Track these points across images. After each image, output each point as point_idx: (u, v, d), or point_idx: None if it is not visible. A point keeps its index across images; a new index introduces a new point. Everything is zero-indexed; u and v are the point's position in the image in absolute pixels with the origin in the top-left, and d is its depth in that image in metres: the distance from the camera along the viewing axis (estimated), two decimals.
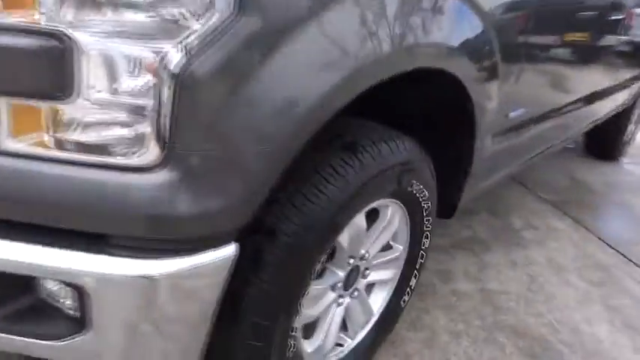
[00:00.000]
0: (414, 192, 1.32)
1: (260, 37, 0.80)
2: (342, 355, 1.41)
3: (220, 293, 0.91)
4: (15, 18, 0.73)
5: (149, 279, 0.82)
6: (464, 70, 1.30)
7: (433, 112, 1.50)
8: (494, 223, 2.71)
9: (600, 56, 2.46)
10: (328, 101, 0.91)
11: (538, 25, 1.76)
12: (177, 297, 0.86)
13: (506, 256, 2.41)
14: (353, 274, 1.33)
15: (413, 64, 1.09)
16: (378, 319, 1.49)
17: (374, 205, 1.22)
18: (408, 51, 1.05)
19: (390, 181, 1.20)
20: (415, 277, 1.55)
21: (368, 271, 1.38)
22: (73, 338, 0.88)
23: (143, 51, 0.74)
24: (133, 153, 0.79)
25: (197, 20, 0.75)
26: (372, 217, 1.33)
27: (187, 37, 0.74)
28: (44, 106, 0.76)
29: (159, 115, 0.77)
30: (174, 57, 0.74)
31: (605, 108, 3.00)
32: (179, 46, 0.75)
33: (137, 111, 0.77)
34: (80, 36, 0.72)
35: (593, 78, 2.48)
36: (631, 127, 4.04)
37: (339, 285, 1.29)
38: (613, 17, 2.32)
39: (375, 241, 1.35)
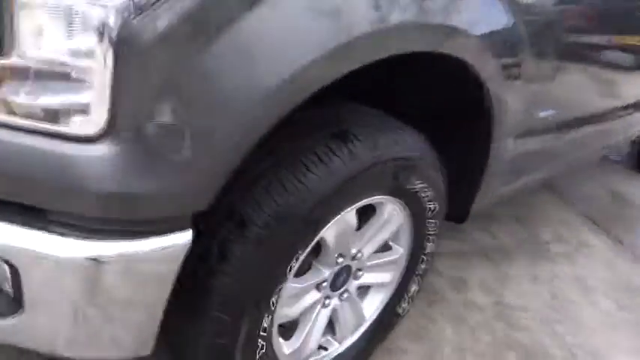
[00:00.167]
0: (415, 191, 1.20)
1: None
2: None
3: (171, 283, 0.83)
4: None
5: (79, 261, 0.74)
6: (482, 61, 1.17)
7: (448, 107, 1.38)
8: (521, 233, 2.54)
9: None
10: (306, 77, 0.80)
11: (580, 20, 1.61)
12: (118, 284, 0.78)
13: (529, 268, 2.23)
14: (343, 275, 1.23)
15: (408, 46, 0.96)
16: (371, 325, 1.38)
17: (366, 201, 1.11)
18: (401, 30, 0.93)
19: (385, 177, 1.09)
20: (416, 283, 1.43)
21: (361, 273, 1.28)
22: (12, 318, 0.81)
23: (85, 6, 0.66)
24: (74, 121, 0.71)
25: None
26: (370, 214, 1.22)
27: None
28: None
29: (102, 79, 0.69)
30: (120, 14, 0.66)
31: None
32: (126, 1, 0.66)
33: (79, 73, 0.69)
34: None
35: None
36: None
37: (325, 285, 1.18)
38: None
39: (370, 241, 1.24)
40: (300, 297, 1.13)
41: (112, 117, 0.70)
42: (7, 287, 0.82)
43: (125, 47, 0.67)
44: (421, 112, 1.35)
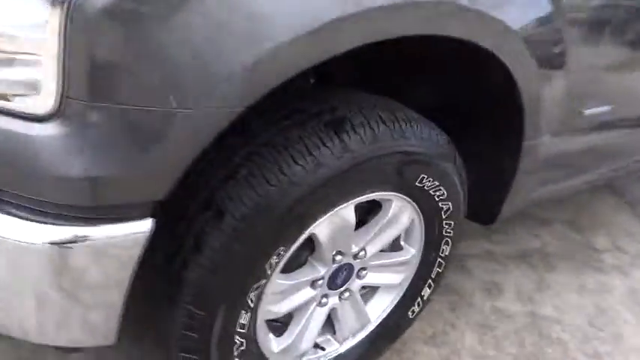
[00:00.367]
0: (426, 188, 1.10)
1: None
2: None
3: (131, 271, 0.79)
4: None
5: (38, 246, 0.71)
6: (511, 52, 1.05)
7: (475, 101, 1.25)
8: (571, 238, 2.33)
9: None
10: (284, 56, 0.73)
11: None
12: (79, 269, 0.76)
13: (575, 278, 2.04)
14: (343, 273, 1.15)
15: (405, 29, 0.86)
16: (377, 327, 1.30)
17: (366, 197, 1.03)
18: (399, 10, 0.83)
19: (386, 172, 1.00)
20: (430, 287, 1.33)
21: (365, 272, 1.19)
22: None
23: None
24: (25, 98, 0.68)
25: None
26: (376, 210, 1.13)
27: None
28: None
29: (53, 54, 0.65)
30: None
31: None
32: None
33: (28, 47, 0.65)
34: None
35: None
36: None
37: (321, 282, 1.11)
38: None
39: (375, 239, 1.15)
40: (289, 294, 1.07)
41: (62, 94, 0.66)
42: None
43: (77, 20, 0.63)
44: (446, 106, 1.24)
